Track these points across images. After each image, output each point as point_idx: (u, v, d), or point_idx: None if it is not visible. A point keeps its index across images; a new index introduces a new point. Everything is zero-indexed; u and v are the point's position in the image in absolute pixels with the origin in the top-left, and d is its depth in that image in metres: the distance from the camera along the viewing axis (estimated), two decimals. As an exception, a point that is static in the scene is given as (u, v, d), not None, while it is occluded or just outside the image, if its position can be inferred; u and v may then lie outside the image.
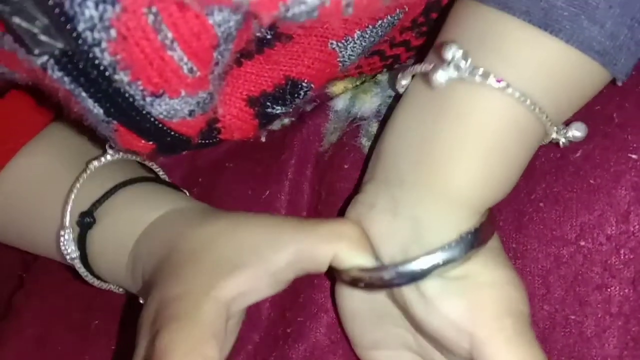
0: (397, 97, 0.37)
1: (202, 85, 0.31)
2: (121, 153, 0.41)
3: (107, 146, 0.41)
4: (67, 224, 0.39)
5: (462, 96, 0.32)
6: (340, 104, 0.42)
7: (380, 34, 0.35)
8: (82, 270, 0.40)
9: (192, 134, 0.34)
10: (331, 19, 0.32)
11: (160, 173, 0.44)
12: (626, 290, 0.34)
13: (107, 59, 0.28)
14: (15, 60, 0.29)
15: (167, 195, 0.40)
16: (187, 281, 0.33)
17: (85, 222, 0.39)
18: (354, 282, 0.33)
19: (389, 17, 0.35)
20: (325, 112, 0.42)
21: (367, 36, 0.35)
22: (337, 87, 0.42)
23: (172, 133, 0.33)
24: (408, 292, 0.32)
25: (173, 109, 0.31)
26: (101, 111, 0.31)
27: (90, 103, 0.30)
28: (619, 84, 0.34)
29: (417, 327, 0.33)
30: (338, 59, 0.35)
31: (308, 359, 0.39)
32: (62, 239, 0.39)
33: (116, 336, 0.42)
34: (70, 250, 0.39)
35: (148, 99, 0.30)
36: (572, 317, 0.35)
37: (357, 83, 0.42)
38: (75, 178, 0.40)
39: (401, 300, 0.33)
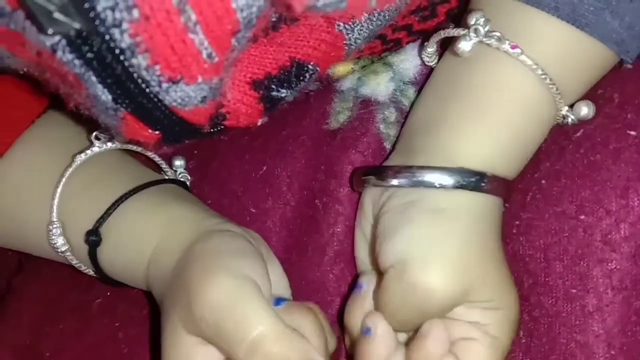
0: (414, 83, 0.40)
1: (218, 71, 0.30)
2: (107, 144, 0.40)
3: (92, 137, 0.40)
4: (55, 218, 0.39)
5: (477, 69, 0.34)
6: (346, 83, 0.42)
7: (387, 17, 0.36)
8: (74, 262, 0.40)
9: (203, 121, 0.33)
10: (356, 11, 0.33)
11: (157, 159, 0.43)
12: (627, 265, 0.34)
13: (126, 41, 0.27)
14: (20, 40, 0.28)
15: (167, 205, 0.39)
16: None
17: (91, 241, 0.38)
18: None
19: (397, 1, 0.35)
20: (330, 90, 0.42)
21: (374, 19, 0.35)
22: (342, 68, 0.42)
23: (182, 122, 0.32)
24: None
25: (187, 95, 0.30)
26: (110, 98, 0.30)
27: (99, 89, 0.29)
28: (629, 67, 0.36)
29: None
30: (344, 42, 0.35)
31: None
32: (50, 234, 0.39)
33: (119, 314, 0.42)
34: (60, 243, 0.39)
35: (164, 85, 0.29)
36: (573, 291, 0.35)
37: (363, 64, 0.42)
38: (61, 173, 0.39)
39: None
